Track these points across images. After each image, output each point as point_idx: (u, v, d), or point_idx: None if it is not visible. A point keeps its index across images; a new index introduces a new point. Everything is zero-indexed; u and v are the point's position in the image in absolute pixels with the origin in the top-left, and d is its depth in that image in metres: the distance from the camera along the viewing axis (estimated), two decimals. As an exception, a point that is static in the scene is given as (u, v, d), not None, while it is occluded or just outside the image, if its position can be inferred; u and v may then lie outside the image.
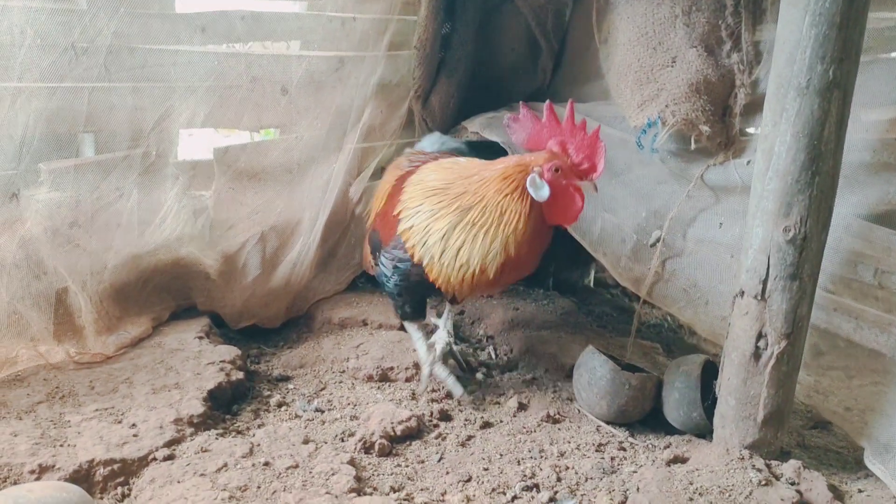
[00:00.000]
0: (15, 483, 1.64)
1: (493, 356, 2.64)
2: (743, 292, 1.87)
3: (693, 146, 2.26)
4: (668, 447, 2.04)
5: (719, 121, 2.25)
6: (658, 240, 2.36)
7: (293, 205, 2.71)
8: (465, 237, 1.96)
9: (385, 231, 2.18)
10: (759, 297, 1.83)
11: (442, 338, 2.42)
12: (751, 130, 2.28)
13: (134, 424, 1.88)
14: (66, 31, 2.04)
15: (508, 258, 1.96)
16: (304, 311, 2.87)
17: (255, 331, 2.72)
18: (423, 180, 2.13)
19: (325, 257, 2.90)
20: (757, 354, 1.86)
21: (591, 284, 3.50)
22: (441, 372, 2.25)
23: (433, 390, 2.27)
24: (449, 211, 2.00)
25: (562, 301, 3.06)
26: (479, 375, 2.46)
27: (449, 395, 2.24)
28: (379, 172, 2.82)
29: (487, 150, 2.64)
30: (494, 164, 2.03)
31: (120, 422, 1.90)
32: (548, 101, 2.00)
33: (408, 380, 2.34)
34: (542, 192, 1.94)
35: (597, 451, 2.02)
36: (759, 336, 1.85)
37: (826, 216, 1.79)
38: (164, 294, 2.56)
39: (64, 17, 2.03)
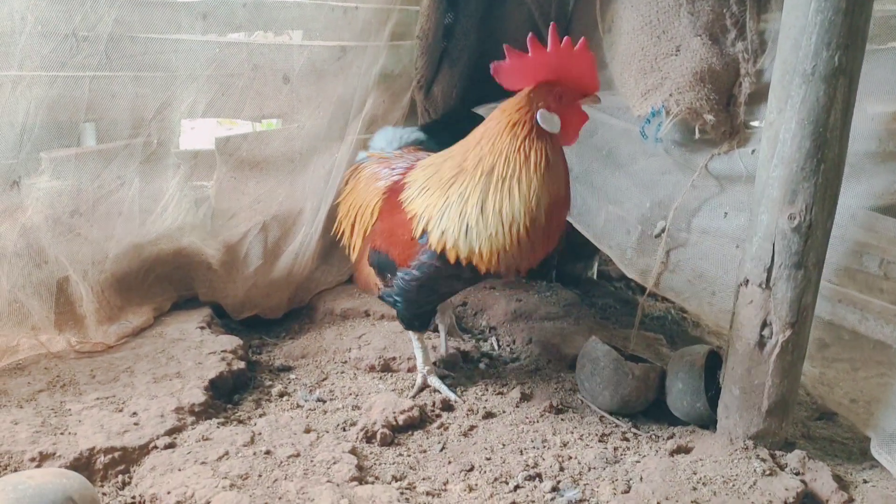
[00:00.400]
0: (15, 470, 1.64)
1: (496, 347, 2.63)
2: (747, 280, 1.85)
3: (697, 136, 2.24)
4: (672, 437, 2.03)
5: (724, 110, 2.23)
6: (663, 230, 2.34)
7: (295, 195, 2.70)
8: (500, 196, 1.87)
9: (398, 250, 2.06)
10: (764, 286, 1.82)
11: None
12: (755, 123, 2.26)
13: (135, 413, 1.88)
14: (67, 18, 2.03)
15: (552, 196, 1.89)
16: (306, 301, 2.86)
17: (256, 321, 2.71)
18: (428, 183, 2.03)
19: (327, 248, 2.89)
20: (761, 343, 1.85)
21: (595, 277, 3.49)
22: (435, 381, 2.23)
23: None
24: (475, 182, 1.90)
25: (565, 293, 3.05)
26: (481, 366, 2.45)
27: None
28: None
29: (447, 133, 2.60)
30: (494, 120, 1.95)
31: (121, 410, 1.90)
32: (530, 34, 1.89)
33: (410, 370, 2.33)
34: (556, 123, 1.90)
35: (600, 441, 2.01)
36: (764, 325, 1.83)
37: (831, 204, 1.77)
38: (165, 284, 2.56)
39: (65, 4, 2.02)
